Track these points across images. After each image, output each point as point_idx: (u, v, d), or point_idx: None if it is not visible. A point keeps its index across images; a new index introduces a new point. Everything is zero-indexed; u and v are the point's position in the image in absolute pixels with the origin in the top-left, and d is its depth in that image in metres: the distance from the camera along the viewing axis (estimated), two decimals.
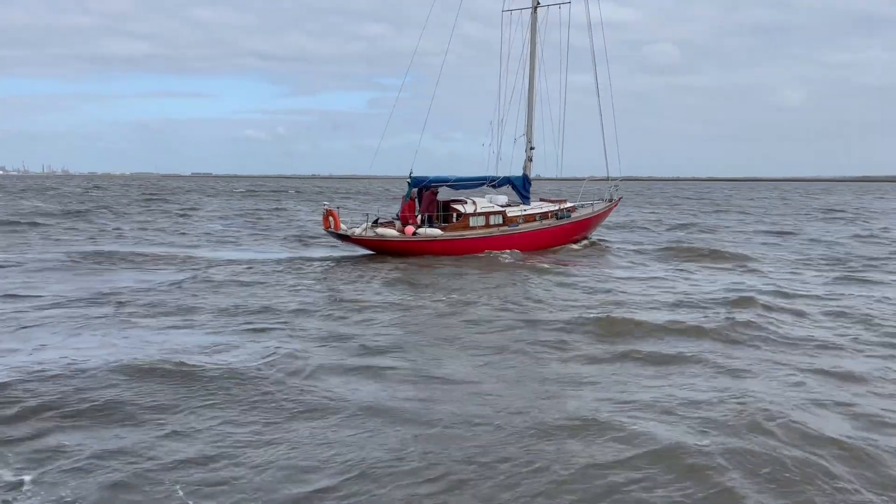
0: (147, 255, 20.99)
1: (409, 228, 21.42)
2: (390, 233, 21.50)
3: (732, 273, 18.75)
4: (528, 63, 26.67)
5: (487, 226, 22.40)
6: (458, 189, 23.33)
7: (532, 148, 26.70)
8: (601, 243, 26.62)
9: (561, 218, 25.06)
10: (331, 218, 21.30)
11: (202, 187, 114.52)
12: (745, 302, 13.78)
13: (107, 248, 22.94)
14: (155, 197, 69.43)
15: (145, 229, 32.23)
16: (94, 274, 17.46)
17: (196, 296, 14.50)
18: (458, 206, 22.53)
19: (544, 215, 24.38)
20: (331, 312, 13.03)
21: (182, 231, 31.73)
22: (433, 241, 21.43)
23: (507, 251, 21.79)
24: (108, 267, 18.69)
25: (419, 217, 22.38)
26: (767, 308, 13.31)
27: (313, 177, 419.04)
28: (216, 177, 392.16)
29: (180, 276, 16.93)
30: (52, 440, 6.76)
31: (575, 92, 29.32)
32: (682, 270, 19.17)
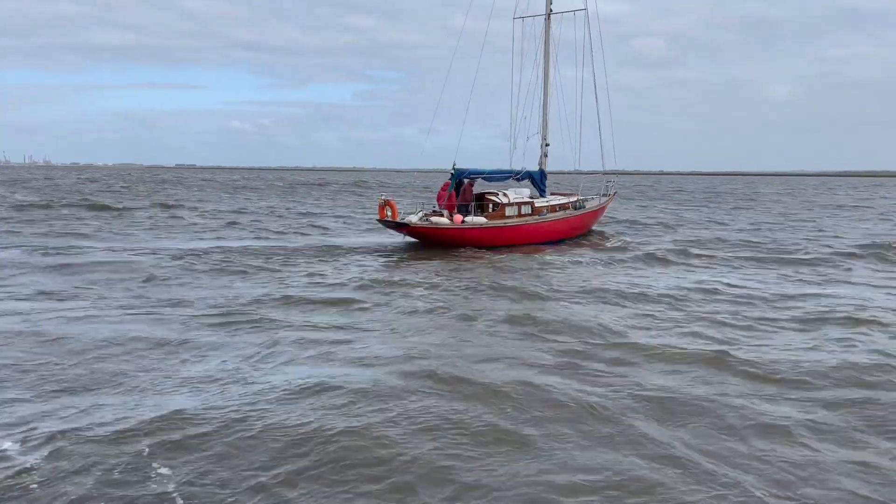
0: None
1: (458, 217, 22.93)
2: (444, 221, 22.70)
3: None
4: (540, 65, 28.78)
5: (520, 215, 24.35)
6: (490, 181, 25.41)
7: (547, 144, 28.90)
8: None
9: (578, 209, 27.34)
10: (387, 208, 22.70)
11: (229, 180, 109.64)
12: None
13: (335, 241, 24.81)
14: (237, 191, 69.60)
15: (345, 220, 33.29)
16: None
17: None
18: (493, 197, 24.31)
19: (563, 206, 26.57)
20: None
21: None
22: (480, 228, 22.98)
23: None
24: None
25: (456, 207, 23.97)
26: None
27: (297, 169, 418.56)
28: (201, 168, 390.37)
29: None
30: None
31: (569, 87, 31.12)
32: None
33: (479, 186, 26.01)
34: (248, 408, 7.61)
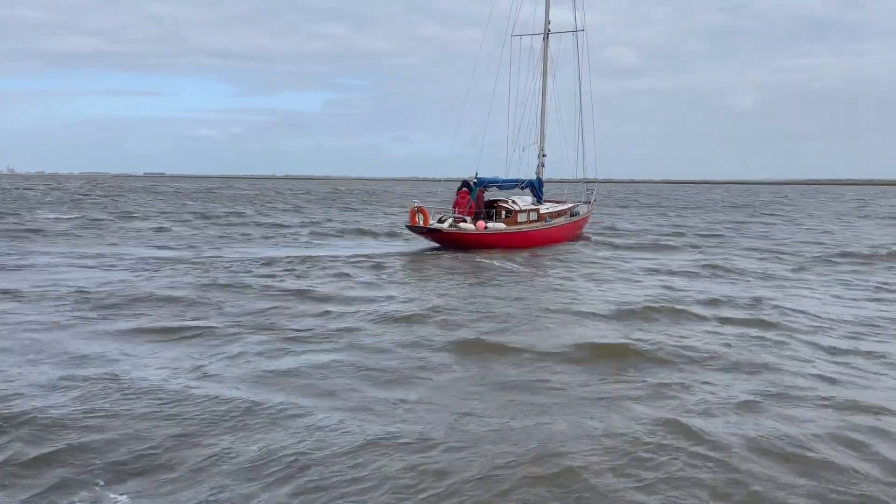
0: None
1: (481, 223, 24.56)
2: (470, 227, 24.18)
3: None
4: (533, 79, 30.74)
5: (529, 221, 26.25)
6: (503, 189, 27.29)
7: (544, 155, 30.86)
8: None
9: (573, 215, 29.41)
10: (419, 215, 24.16)
11: (251, 192, 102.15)
12: None
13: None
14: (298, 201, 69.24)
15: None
16: None
17: None
18: (505, 205, 26.06)
19: (562, 213, 28.60)
20: None
21: None
22: (500, 234, 24.69)
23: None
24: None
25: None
26: None
27: (270, 177, 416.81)
28: (169, 177, 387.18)
29: None
30: None
31: (551, 98, 31.97)
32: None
33: (488, 193, 27.83)
34: None
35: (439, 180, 31.91)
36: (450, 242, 24.24)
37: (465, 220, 24.57)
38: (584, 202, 32.38)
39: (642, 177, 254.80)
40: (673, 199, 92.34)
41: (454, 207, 25.42)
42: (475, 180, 25.63)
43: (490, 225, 24.84)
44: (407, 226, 25.38)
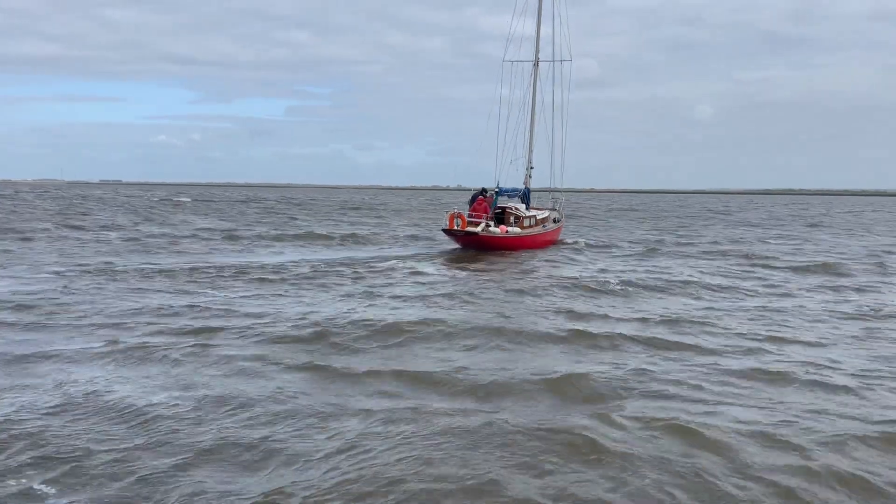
0: None
1: (503, 227, 28.01)
2: (497, 231, 27.38)
3: None
4: (527, 104, 34.79)
5: (531, 226, 30.06)
6: (511, 197, 31.30)
7: (531, 167, 34.97)
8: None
9: (556, 221, 33.64)
10: (457, 219, 26.90)
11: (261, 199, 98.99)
12: None
13: None
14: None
15: None
16: None
17: None
18: (512, 211, 29.57)
19: (547, 219, 32.72)
20: None
21: None
22: (518, 237, 28.33)
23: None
24: None
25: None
26: None
27: (230, 185, 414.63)
28: (127, 184, 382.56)
29: None
30: None
31: (514, 106, 34.89)
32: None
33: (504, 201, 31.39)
34: None
35: (445, 188, 35.66)
36: (478, 244, 27.08)
37: (489, 225, 27.55)
38: (550, 209, 35.22)
39: (603, 186, 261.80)
40: (629, 209, 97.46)
41: (472, 213, 28.34)
42: (496, 190, 29.62)
43: (511, 229, 28.37)
44: (443, 229, 27.91)
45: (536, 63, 34.99)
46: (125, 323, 12.84)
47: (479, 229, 27.10)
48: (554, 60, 34.37)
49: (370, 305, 15.21)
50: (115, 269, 20.29)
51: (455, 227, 27.10)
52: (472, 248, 27.41)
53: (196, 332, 12.11)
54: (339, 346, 11.45)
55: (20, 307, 14.01)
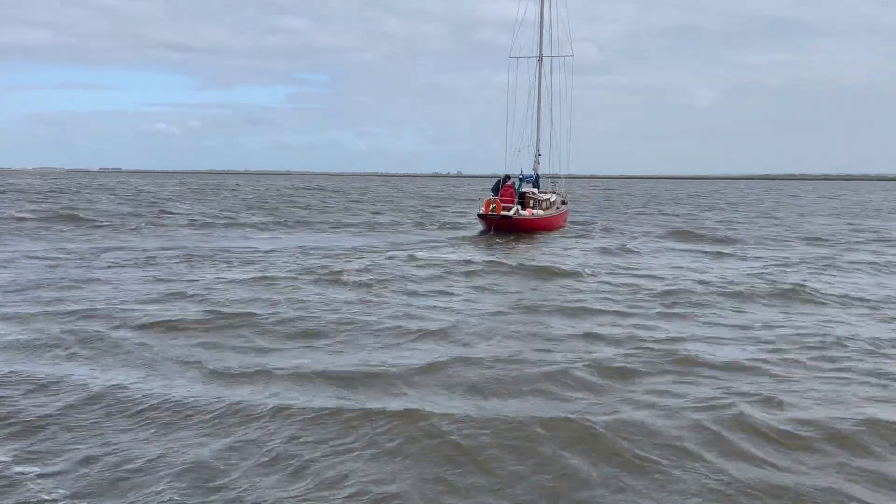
0: None
1: (530, 210, 30.46)
2: (527, 214, 29.95)
3: None
4: (534, 95, 37.59)
5: (548, 208, 32.57)
6: (526, 183, 33.70)
7: (539, 154, 37.72)
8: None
9: (564, 203, 36.56)
10: (493, 205, 29.09)
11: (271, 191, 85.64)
12: None
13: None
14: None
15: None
16: None
17: None
18: (533, 196, 32.08)
19: (555, 202, 35.59)
20: None
21: None
22: (542, 219, 30.82)
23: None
24: None
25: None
26: None
27: (228, 172, 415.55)
28: (128, 172, 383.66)
29: None
30: None
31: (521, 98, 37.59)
32: None
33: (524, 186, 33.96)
34: None
35: (445, 175, 38.41)
36: (509, 226, 29.10)
37: (519, 210, 29.74)
38: (551, 192, 37.08)
39: (603, 172, 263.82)
40: (626, 194, 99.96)
41: (500, 198, 29.89)
42: (520, 176, 32.59)
43: (537, 212, 31.10)
44: (479, 214, 30.39)
45: (540, 59, 37.56)
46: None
47: (511, 213, 29.58)
48: (556, 56, 37.17)
49: None
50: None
51: (490, 212, 29.33)
52: (503, 230, 29.19)
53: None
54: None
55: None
